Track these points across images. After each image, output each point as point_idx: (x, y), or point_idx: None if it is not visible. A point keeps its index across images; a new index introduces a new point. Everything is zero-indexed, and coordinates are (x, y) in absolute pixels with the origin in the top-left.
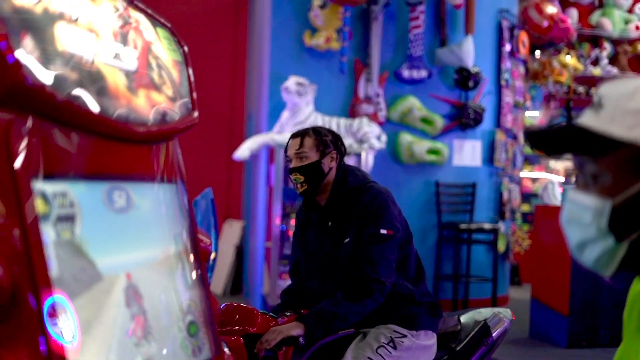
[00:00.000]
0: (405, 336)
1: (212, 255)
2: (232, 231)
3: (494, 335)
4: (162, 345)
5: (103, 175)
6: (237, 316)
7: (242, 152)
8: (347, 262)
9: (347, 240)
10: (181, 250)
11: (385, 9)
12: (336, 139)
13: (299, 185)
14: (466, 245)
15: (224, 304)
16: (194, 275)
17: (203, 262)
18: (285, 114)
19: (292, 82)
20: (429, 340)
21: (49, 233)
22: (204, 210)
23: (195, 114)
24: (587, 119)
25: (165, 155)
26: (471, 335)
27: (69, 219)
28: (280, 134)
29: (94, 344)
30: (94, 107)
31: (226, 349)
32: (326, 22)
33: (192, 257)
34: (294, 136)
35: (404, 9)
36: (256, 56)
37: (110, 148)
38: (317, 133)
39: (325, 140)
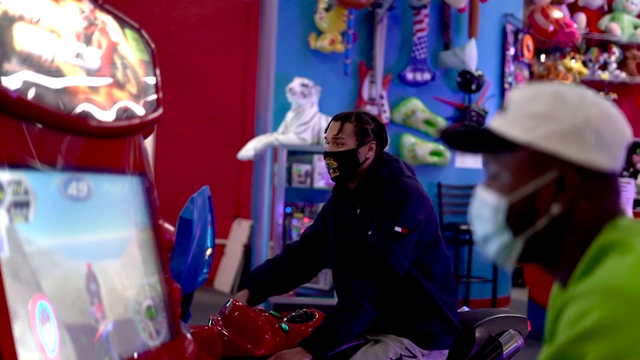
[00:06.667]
0: (415, 357)
1: (209, 252)
2: (240, 230)
3: (504, 355)
4: (119, 327)
5: (60, 166)
6: (241, 321)
7: (247, 152)
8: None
9: (370, 232)
10: (142, 239)
11: (390, 12)
12: (380, 128)
13: (331, 171)
14: (467, 246)
15: (229, 301)
16: (154, 262)
17: (165, 251)
18: (289, 115)
19: (296, 83)
20: None
21: (1, 217)
22: (200, 206)
23: (160, 111)
24: (494, 121)
25: (128, 149)
26: (482, 354)
27: (22, 205)
28: (284, 135)
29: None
30: (50, 102)
31: (188, 334)
32: (331, 24)
33: (153, 245)
34: (335, 119)
35: (408, 12)
36: (264, 58)
37: (69, 141)
38: (359, 120)
39: (367, 129)
